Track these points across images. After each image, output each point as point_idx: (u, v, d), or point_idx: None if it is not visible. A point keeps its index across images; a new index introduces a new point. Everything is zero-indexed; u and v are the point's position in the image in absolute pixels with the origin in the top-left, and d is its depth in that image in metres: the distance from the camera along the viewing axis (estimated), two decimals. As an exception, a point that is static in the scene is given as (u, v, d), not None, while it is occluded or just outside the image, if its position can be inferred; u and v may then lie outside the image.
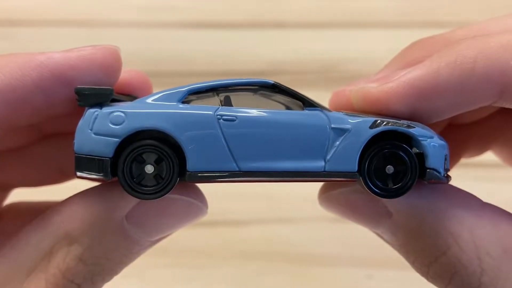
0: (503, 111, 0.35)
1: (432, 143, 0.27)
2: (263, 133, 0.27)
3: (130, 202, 0.27)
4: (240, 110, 0.27)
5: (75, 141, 0.26)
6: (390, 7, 0.73)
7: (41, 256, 0.26)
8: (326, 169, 0.27)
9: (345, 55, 0.70)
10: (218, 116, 0.27)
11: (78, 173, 0.26)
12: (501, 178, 0.62)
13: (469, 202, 0.27)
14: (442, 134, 0.36)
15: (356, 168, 0.27)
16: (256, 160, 0.27)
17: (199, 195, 0.29)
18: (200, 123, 0.26)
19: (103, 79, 0.27)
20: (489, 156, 0.39)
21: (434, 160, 0.27)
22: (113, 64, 0.28)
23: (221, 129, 0.27)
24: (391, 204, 0.27)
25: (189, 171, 0.26)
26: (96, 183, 0.29)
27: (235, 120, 0.27)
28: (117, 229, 0.26)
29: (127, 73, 0.31)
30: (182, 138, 0.26)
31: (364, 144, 0.27)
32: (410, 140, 0.27)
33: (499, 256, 0.25)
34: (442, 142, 0.28)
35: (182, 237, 0.61)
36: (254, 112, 0.27)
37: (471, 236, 0.25)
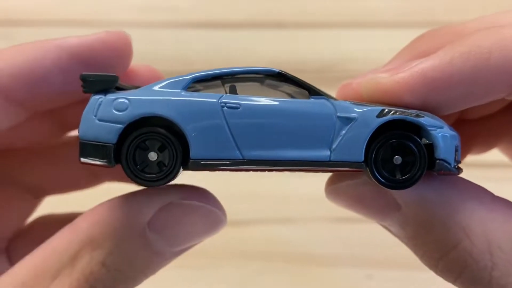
0: (511, 107, 0.34)
1: (442, 133, 0.26)
2: (267, 122, 0.27)
3: (152, 208, 0.27)
4: (244, 98, 0.27)
5: (80, 127, 0.26)
6: (390, 7, 0.73)
7: (67, 261, 0.26)
8: (332, 158, 0.26)
9: (345, 55, 0.70)
10: (222, 104, 0.27)
11: (82, 159, 0.26)
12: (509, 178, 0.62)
13: (481, 195, 0.26)
14: None
15: (362, 158, 0.26)
16: (260, 149, 0.26)
17: (218, 205, 0.29)
18: (204, 111, 0.26)
19: (116, 61, 0.29)
20: (495, 155, 0.38)
21: (444, 151, 0.26)
22: (124, 47, 0.30)
23: (224, 117, 0.26)
24: (400, 196, 0.27)
25: (192, 159, 0.26)
26: (123, 192, 0.29)
27: (239, 108, 0.27)
28: (138, 235, 0.26)
29: (138, 66, 0.32)
30: (186, 125, 0.26)
31: (371, 134, 0.26)
32: (419, 130, 0.27)
33: (510, 251, 0.24)
34: (453, 133, 0.27)
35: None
36: (258, 100, 0.27)
37: (483, 230, 0.25)
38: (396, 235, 0.29)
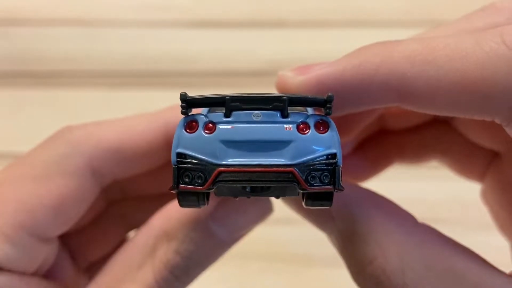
0: (437, 122, 0.36)
1: None
2: None
3: (213, 203, 0.30)
4: None
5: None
6: (391, 7, 0.73)
7: (148, 253, 0.31)
8: None
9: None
10: None
11: None
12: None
13: (404, 219, 0.28)
14: (373, 138, 0.37)
15: None
16: None
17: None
18: None
19: None
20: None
21: None
22: None
23: None
24: (334, 208, 0.28)
25: None
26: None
27: None
28: (202, 226, 0.30)
29: None
30: None
31: None
32: None
33: (422, 273, 0.26)
34: None
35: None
36: None
37: (398, 250, 0.26)
38: (334, 245, 0.31)
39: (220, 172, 0.23)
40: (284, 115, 0.24)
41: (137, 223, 0.36)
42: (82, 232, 0.36)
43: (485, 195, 0.37)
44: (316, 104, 0.24)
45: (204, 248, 0.30)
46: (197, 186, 0.23)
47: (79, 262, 0.37)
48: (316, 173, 0.23)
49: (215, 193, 0.26)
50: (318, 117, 0.24)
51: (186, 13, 0.74)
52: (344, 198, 0.29)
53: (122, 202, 0.38)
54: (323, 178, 0.24)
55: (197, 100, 0.24)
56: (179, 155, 0.24)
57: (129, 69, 0.72)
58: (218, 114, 0.24)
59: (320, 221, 0.30)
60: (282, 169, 0.23)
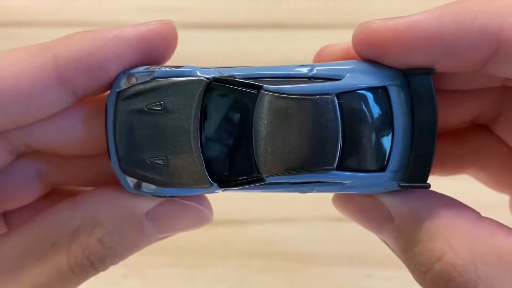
0: (478, 129, 0.35)
1: None
2: None
3: (153, 202, 0.30)
4: None
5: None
6: (390, 8, 0.73)
7: (67, 232, 0.29)
8: None
9: (345, 55, 0.70)
10: None
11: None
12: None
13: (467, 213, 0.27)
14: None
15: None
16: None
17: (208, 206, 0.33)
18: None
19: (165, 51, 0.31)
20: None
21: None
22: (173, 39, 0.31)
23: None
24: (393, 208, 0.28)
25: None
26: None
27: None
28: (135, 222, 0.30)
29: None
30: None
31: None
32: None
33: (494, 264, 0.25)
34: None
35: (182, 237, 0.60)
36: None
37: (467, 244, 0.25)
38: (392, 249, 0.30)
39: None
40: None
41: (59, 181, 0.34)
42: None
43: None
44: None
45: (129, 242, 0.30)
46: None
47: None
48: None
49: None
50: None
51: (186, 14, 0.74)
52: (402, 196, 0.28)
53: (36, 158, 0.34)
54: None
55: None
56: None
57: (130, 70, 0.73)
58: None
59: (377, 223, 0.29)
60: None
